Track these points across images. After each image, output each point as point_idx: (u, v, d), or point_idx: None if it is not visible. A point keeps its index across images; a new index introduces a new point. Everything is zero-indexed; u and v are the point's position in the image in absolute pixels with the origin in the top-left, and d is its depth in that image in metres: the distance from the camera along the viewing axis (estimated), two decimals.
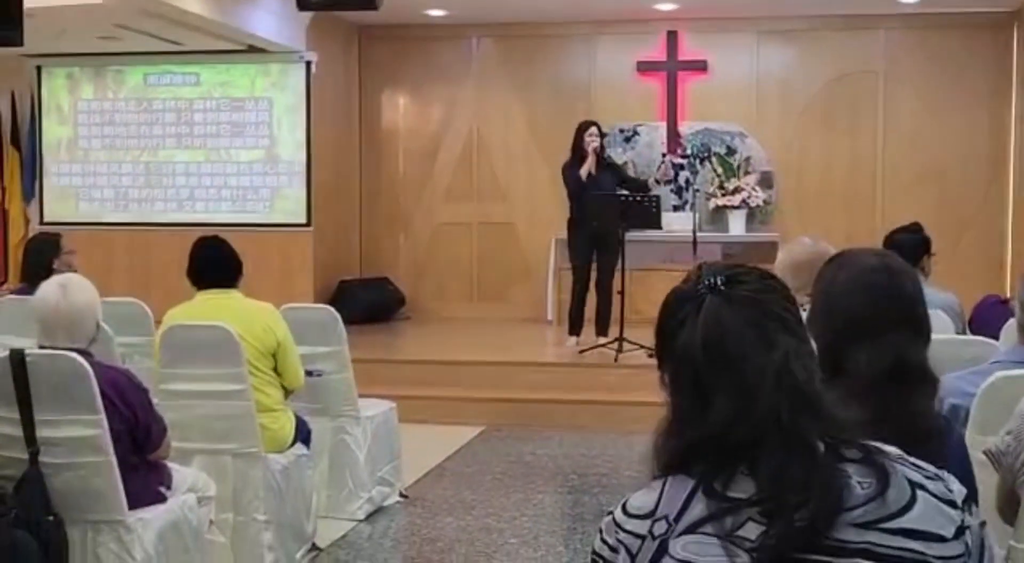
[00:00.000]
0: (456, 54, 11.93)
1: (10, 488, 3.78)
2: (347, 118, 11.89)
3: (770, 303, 1.56)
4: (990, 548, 1.55)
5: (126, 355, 5.48)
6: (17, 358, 3.78)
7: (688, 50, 11.51)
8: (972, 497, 1.59)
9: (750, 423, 1.48)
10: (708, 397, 1.51)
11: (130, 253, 10.95)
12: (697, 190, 11.14)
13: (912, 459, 1.55)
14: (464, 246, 11.94)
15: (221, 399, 4.91)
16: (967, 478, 2.46)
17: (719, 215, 11.16)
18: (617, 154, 10.81)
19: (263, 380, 5.03)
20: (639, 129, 11.53)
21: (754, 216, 11.13)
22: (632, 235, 9.13)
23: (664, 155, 11.48)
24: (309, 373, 5.45)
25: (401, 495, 6.33)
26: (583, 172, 9.08)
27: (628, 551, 1.52)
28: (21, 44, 6.81)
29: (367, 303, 11.16)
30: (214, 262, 5.13)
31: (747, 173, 11.21)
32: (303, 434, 5.33)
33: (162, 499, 4.13)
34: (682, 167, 11.41)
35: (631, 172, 10.83)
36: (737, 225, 11.05)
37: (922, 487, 1.50)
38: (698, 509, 1.48)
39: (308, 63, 10.78)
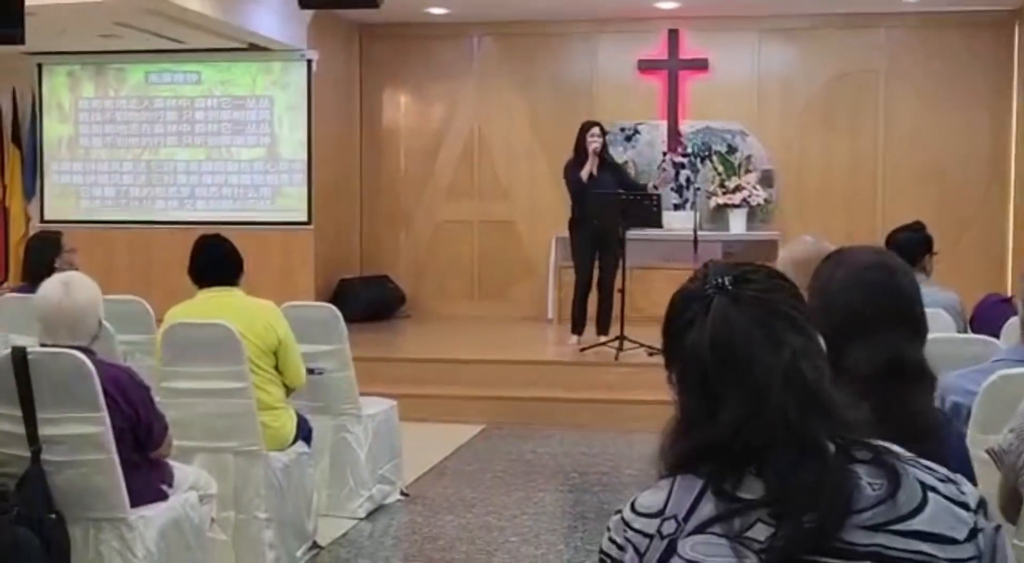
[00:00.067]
0: (457, 52, 11.94)
1: (12, 486, 3.78)
2: (348, 116, 11.90)
3: (778, 302, 1.55)
4: (1004, 551, 1.53)
5: (127, 353, 5.48)
6: (19, 356, 3.78)
7: (689, 49, 11.51)
8: None
9: (759, 424, 1.47)
10: (716, 398, 1.50)
11: (131, 251, 10.96)
12: (698, 189, 11.14)
13: (924, 461, 1.53)
14: (465, 244, 11.95)
15: (222, 397, 4.91)
16: (967, 474, 2.46)
17: (720, 214, 11.16)
18: (618, 153, 10.80)
19: (264, 378, 5.04)
20: (640, 128, 11.53)
21: (755, 215, 11.14)
22: (633, 234, 9.13)
23: (665, 154, 11.47)
24: (310, 371, 5.45)
25: (402, 493, 6.34)
26: (584, 173, 9.08)
27: (636, 550, 1.51)
28: (22, 42, 6.82)
29: (368, 301, 11.16)
30: (216, 260, 5.13)
31: (748, 172, 11.22)
32: (304, 432, 5.33)
33: (164, 497, 4.13)
34: (683, 166, 11.41)
35: (631, 171, 10.83)
36: (738, 224, 11.05)
37: (934, 489, 1.49)
38: (707, 509, 1.47)
39: (309, 61, 10.78)
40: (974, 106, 11.13)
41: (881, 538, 1.45)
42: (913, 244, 5.33)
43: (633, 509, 1.54)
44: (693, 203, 10.90)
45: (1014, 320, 4.27)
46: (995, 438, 2.57)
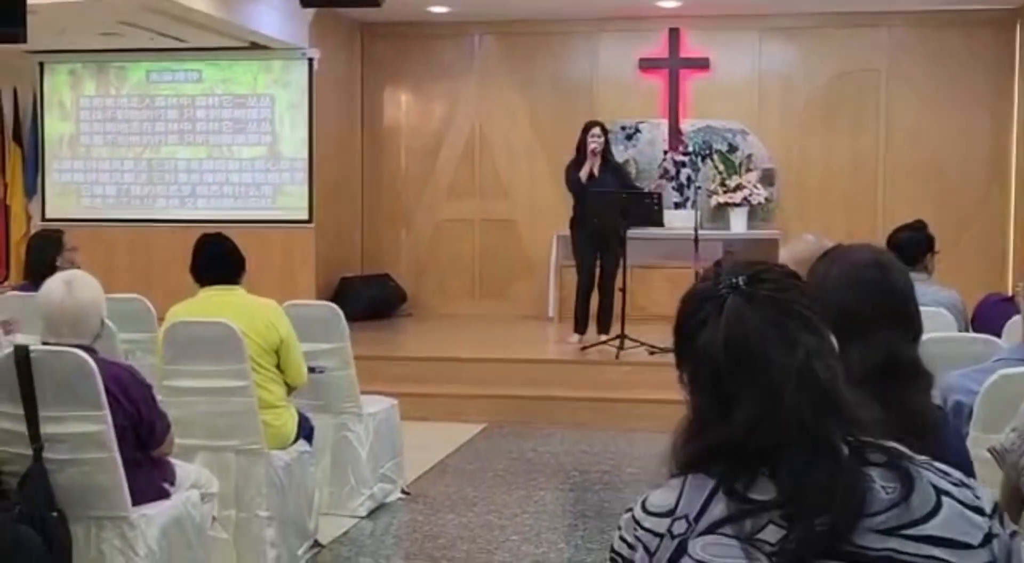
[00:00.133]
0: (458, 51, 11.94)
1: (14, 484, 3.79)
2: (349, 115, 11.90)
3: (792, 302, 1.54)
4: (1020, 557, 1.51)
5: (129, 351, 5.48)
6: (22, 354, 3.79)
7: (690, 47, 11.51)
8: None
9: (773, 424, 1.47)
10: (729, 398, 1.49)
11: (132, 250, 10.95)
12: (699, 187, 11.14)
13: (938, 464, 1.52)
14: (466, 243, 11.95)
15: (224, 395, 4.92)
16: (966, 472, 2.47)
17: (720, 212, 11.16)
18: (619, 151, 10.80)
19: (266, 377, 5.04)
20: (641, 126, 11.53)
21: (755, 214, 11.14)
22: (633, 232, 9.13)
23: (666, 153, 11.48)
24: (312, 370, 5.45)
25: (403, 492, 6.34)
26: (583, 174, 9.09)
27: (647, 549, 1.50)
28: (25, 41, 6.83)
29: (369, 300, 11.17)
30: (218, 259, 5.13)
31: (748, 170, 11.22)
32: (305, 431, 5.34)
33: (165, 495, 4.14)
34: (684, 164, 11.42)
35: (632, 169, 10.84)
36: (738, 222, 11.05)
37: (948, 493, 1.48)
38: (718, 510, 1.46)
39: (310, 60, 10.78)
40: (975, 105, 11.13)
41: (893, 542, 1.43)
42: (914, 243, 5.34)
43: (644, 508, 1.54)
44: (694, 202, 10.90)
45: (1016, 319, 4.27)
46: (997, 437, 2.57)
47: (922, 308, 4.84)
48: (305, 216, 10.88)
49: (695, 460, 1.51)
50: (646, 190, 9.47)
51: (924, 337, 3.85)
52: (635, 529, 1.53)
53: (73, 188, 11.36)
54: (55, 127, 11.37)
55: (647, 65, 11.57)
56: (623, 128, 11.41)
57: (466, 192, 11.93)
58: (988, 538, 1.47)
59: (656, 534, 1.50)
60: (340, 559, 5.36)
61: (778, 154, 11.36)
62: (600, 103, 11.37)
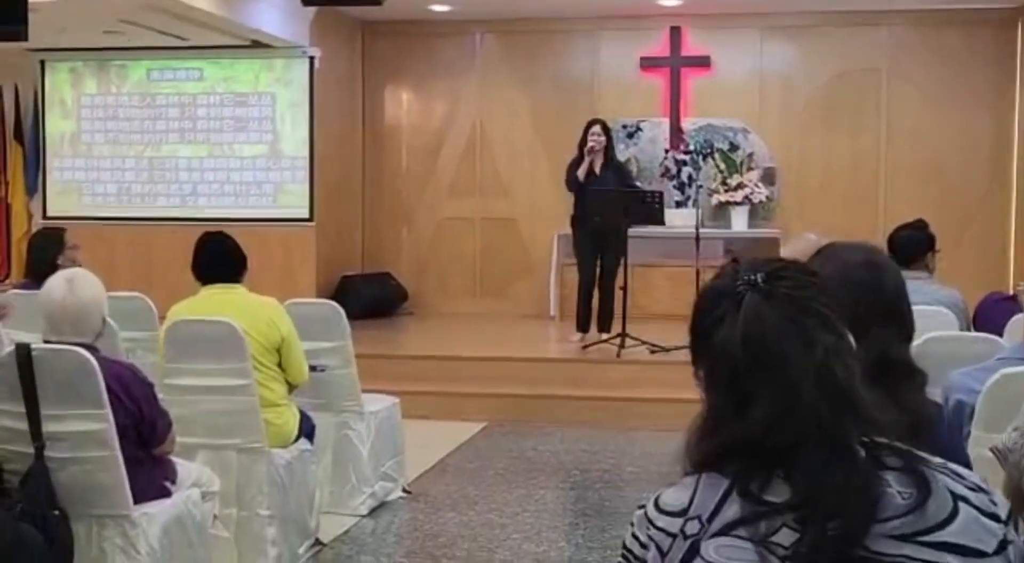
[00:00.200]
0: (459, 50, 11.94)
1: (16, 482, 3.79)
2: (350, 113, 11.90)
3: (810, 300, 1.52)
4: None
5: (130, 350, 5.47)
6: (23, 352, 3.79)
7: (691, 46, 11.51)
8: None
9: (790, 424, 1.45)
10: (746, 396, 1.47)
11: (132, 248, 10.96)
12: (700, 186, 11.14)
13: (954, 467, 1.51)
14: (467, 241, 11.95)
15: (225, 394, 4.92)
16: (963, 461, 2.47)
17: (721, 211, 11.16)
18: (620, 150, 10.80)
19: (267, 375, 5.04)
20: (642, 125, 11.53)
21: (756, 212, 11.14)
22: (634, 231, 9.12)
23: (667, 152, 11.48)
24: (313, 368, 5.45)
25: (404, 491, 6.34)
26: (580, 172, 9.10)
27: (659, 549, 1.49)
28: (26, 39, 6.83)
29: (369, 298, 11.17)
30: (219, 257, 5.13)
31: (749, 169, 11.22)
32: (307, 429, 5.34)
33: (167, 494, 4.14)
34: (684, 163, 11.42)
35: (634, 168, 10.83)
36: (739, 221, 11.05)
37: (964, 499, 1.46)
38: (732, 511, 1.45)
39: (312, 58, 10.78)
40: (975, 105, 11.13)
41: (908, 549, 1.42)
42: (915, 242, 5.34)
43: (657, 506, 1.52)
44: (695, 200, 10.90)
45: (1018, 318, 4.28)
46: (999, 437, 2.57)
47: (923, 307, 4.85)
48: (306, 214, 10.88)
49: (710, 458, 1.50)
50: (645, 189, 9.46)
51: (926, 336, 3.86)
52: (648, 528, 1.51)
53: (74, 186, 11.36)
54: (56, 125, 11.38)
55: (648, 64, 11.57)
56: (624, 127, 11.41)
57: (467, 191, 11.94)
58: (1003, 545, 1.45)
59: (669, 534, 1.48)
60: (341, 557, 5.36)
61: (779, 153, 11.36)
62: (601, 102, 11.37)
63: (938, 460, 1.51)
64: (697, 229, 9.29)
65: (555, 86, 11.72)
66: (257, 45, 10.56)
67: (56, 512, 3.77)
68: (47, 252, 5.86)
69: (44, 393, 3.79)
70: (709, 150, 11.39)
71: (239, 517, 4.94)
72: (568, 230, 9.58)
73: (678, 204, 11.22)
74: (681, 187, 11.44)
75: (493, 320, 11.21)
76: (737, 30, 11.42)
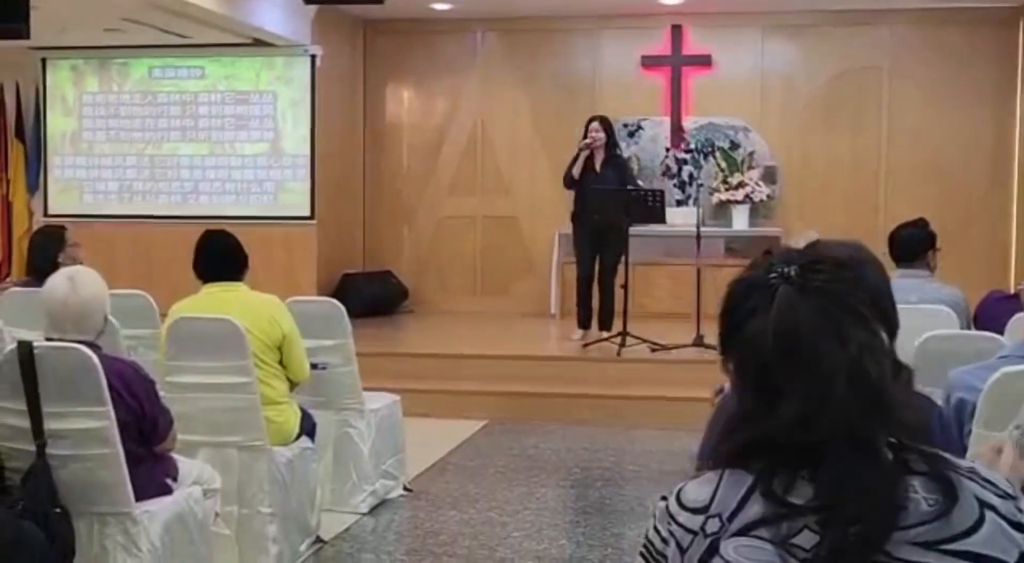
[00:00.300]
0: (460, 48, 11.94)
1: (17, 480, 3.80)
2: (351, 112, 11.90)
3: (845, 295, 1.49)
4: None
5: (131, 348, 5.47)
6: (25, 350, 3.79)
7: (692, 45, 11.51)
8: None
9: (820, 423, 1.42)
10: (777, 390, 1.44)
11: (134, 246, 10.96)
12: (701, 185, 11.14)
13: (983, 472, 1.48)
14: (467, 240, 11.96)
15: (226, 392, 4.92)
16: (953, 442, 2.47)
17: (722, 210, 11.17)
18: (621, 149, 10.79)
19: (268, 373, 5.04)
20: (643, 124, 11.53)
21: (757, 211, 11.14)
22: (635, 230, 9.13)
23: (667, 151, 11.49)
24: (315, 366, 5.45)
25: (405, 488, 6.34)
26: (576, 169, 9.11)
27: (679, 545, 1.47)
28: (27, 37, 6.84)
29: (370, 296, 11.17)
30: (221, 255, 5.14)
31: (750, 168, 11.22)
32: (308, 427, 5.34)
33: (168, 491, 4.14)
34: (686, 161, 11.43)
35: (634, 166, 10.83)
36: (740, 220, 11.06)
37: (992, 507, 1.43)
38: (753, 511, 1.42)
39: (313, 57, 10.78)
40: (977, 103, 11.13)
41: (931, 557, 1.40)
42: (916, 241, 5.35)
43: (679, 501, 1.50)
44: (696, 199, 10.90)
45: (1020, 316, 4.28)
46: (1000, 435, 2.57)
47: (924, 306, 4.85)
48: (307, 213, 10.88)
49: (735, 454, 1.47)
50: (646, 188, 9.46)
51: (927, 334, 3.86)
52: (669, 523, 1.49)
53: (75, 184, 11.36)
54: (57, 123, 11.38)
55: (649, 62, 11.58)
56: (625, 125, 11.40)
57: (468, 189, 11.94)
58: (1023, 557, 1.42)
59: (690, 531, 1.47)
60: (342, 555, 5.37)
61: (780, 152, 11.36)
62: (602, 100, 11.36)
63: (966, 464, 1.48)
64: (698, 228, 9.29)
65: (556, 84, 11.73)
66: (258, 43, 10.56)
67: (57, 509, 3.77)
68: (48, 250, 5.86)
69: (46, 391, 3.79)
70: (710, 149, 11.39)
71: (240, 515, 4.95)
72: (569, 228, 9.58)
73: (679, 203, 11.23)
74: (682, 186, 11.45)
75: (494, 318, 11.21)
76: (738, 29, 11.42)
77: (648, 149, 11.53)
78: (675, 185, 11.42)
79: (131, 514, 3.91)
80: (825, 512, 1.40)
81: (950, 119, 11.14)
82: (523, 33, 11.75)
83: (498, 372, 8.80)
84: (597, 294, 9.32)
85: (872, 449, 1.43)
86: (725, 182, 11.14)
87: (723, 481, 1.47)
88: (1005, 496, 1.46)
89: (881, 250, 5.16)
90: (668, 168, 11.50)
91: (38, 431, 3.79)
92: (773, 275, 1.50)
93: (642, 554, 1.54)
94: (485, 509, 6.06)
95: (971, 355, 3.20)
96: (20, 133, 11.67)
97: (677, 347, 8.80)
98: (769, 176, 11.24)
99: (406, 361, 9.06)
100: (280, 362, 5.12)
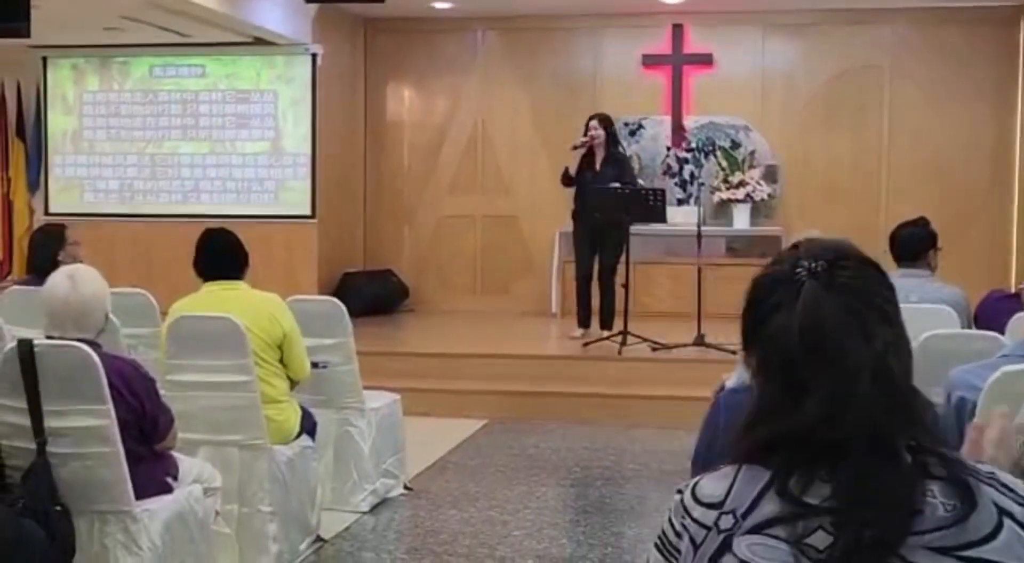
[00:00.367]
0: (461, 47, 11.94)
1: (18, 478, 3.79)
2: (352, 111, 11.90)
3: (871, 292, 1.48)
4: None
5: (132, 346, 5.47)
6: (25, 348, 3.79)
7: (693, 44, 11.51)
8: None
9: (843, 420, 1.41)
10: (801, 386, 1.44)
11: (134, 245, 10.96)
12: (701, 184, 11.14)
13: (1003, 478, 1.46)
14: (468, 239, 11.96)
15: (227, 390, 4.92)
16: (952, 442, 2.47)
17: (723, 209, 11.17)
18: (623, 147, 10.78)
19: (269, 371, 5.04)
20: (644, 122, 11.53)
21: (758, 210, 11.15)
22: (636, 229, 9.13)
23: (668, 150, 11.49)
24: (315, 365, 5.45)
25: (405, 487, 6.34)
26: (572, 167, 9.11)
27: (692, 540, 1.46)
28: (28, 36, 6.84)
29: (371, 295, 11.17)
30: (221, 254, 5.14)
31: (751, 167, 11.22)
32: (308, 426, 5.34)
33: (168, 490, 4.14)
34: (686, 160, 11.43)
35: (635, 165, 10.83)
36: (741, 219, 11.06)
37: (1010, 514, 1.41)
38: (768, 509, 1.41)
39: (314, 55, 10.79)
40: (978, 102, 11.13)
41: (946, 562, 1.38)
42: (916, 240, 5.35)
43: (694, 495, 1.49)
44: (697, 198, 10.90)
45: (1021, 316, 4.28)
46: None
47: (925, 305, 4.85)
48: (308, 211, 10.88)
49: (757, 448, 1.46)
50: (647, 187, 9.46)
51: (928, 333, 3.86)
52: (683, 517, 1.48)
53: (76, 183, 11.37)
54: (58, 122, 11.38)
55: (650, 61, 11.58)
56: (626, 124, 11.41)
57: (468, 188, 11.94)
58: None
59: (703, 526, 1.45)
60: (342, 554, 5.37)
61: (781, 151, 11.36)
62: (603, 99, 11.35)
63: (986, 468, 1.47)
64: (699, 227, 9.29)
65: (557, 83, 11.73)
66: (259, 42, 10.56)
67: (58, 508, 3.77)
68: (48, 248, 5.87)
69: (46, 389, 3.79)
70: (711, 148, 11.40)
71: (240, 513, 4.95)
72: (569, 227, 9.58)
73: (680, 202, 11.23)
74: (683, 185, 11.45)
75: (494, 317, 11.21)
76: (739, 28, 11.42)
77: (649, 148, 11.53)
78: (676, 184, 11.42)
79: (131, 512, 3.91)
80: (840, 513, 1.39)
81: (951, 118, 11.14)
82: (524, 32, 11.76)
83: (498, 371, 8.80)
84: (597, 293, 9.32)
85: (892, 451, 1.42)
86: (726, 181, 11.15)
87: (739, 477, 1.46)
88: None
89: (882, 249, 5.17)
90: (669, 167, 11.51)
91: (38, 429, 3.79)
92: (799, 270, 1.49)
93: (656, 545, 1.53)
94: (485, 508, 6.06)
95: (972, 354, 3.20)
96: (21, 132, 11.68)
97: (678, 346, 8.80)
98: (770, 175, 11.25)
99: (406, 360, 9.06)
100: (281, 361, 5.12)
